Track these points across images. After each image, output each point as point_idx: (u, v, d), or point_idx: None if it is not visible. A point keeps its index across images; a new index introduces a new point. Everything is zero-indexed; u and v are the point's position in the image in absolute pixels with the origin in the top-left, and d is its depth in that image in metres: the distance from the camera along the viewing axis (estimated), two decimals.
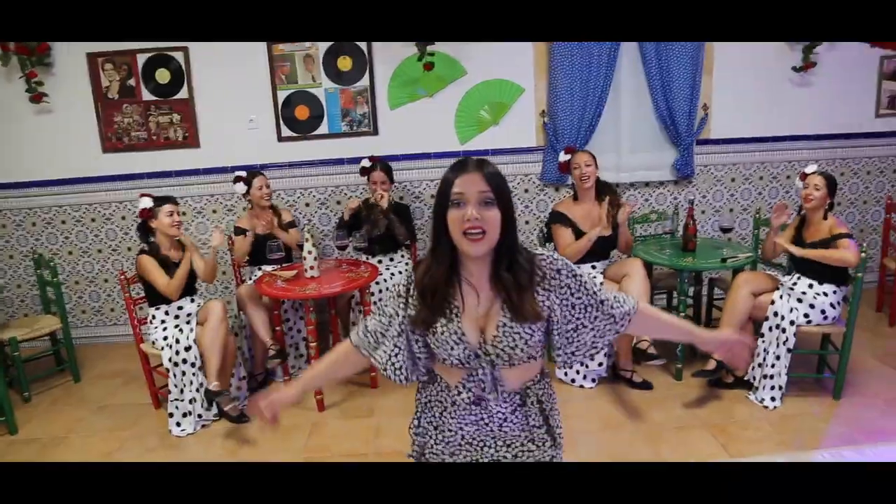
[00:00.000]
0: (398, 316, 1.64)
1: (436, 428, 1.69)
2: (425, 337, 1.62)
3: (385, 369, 1.68)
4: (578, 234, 3.89)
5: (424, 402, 1.73)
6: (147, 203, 3.65)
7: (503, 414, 1.62)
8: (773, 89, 4.85)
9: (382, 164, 4.39)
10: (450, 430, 1.66)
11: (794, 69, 4.74)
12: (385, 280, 4.26)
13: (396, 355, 1.66)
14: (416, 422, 1.76)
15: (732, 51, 4.73)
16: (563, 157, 4.13)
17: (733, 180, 5.03)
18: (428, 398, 1.71)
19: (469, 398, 1.61)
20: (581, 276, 1.62)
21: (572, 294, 1.60)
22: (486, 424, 1.63)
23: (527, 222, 4.96)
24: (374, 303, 4.15)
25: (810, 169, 3.60)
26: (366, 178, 4.46)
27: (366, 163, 4.47)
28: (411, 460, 1.77)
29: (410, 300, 1.62)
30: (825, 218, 3.52)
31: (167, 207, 3.65)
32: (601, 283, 1.54)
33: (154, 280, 3.64)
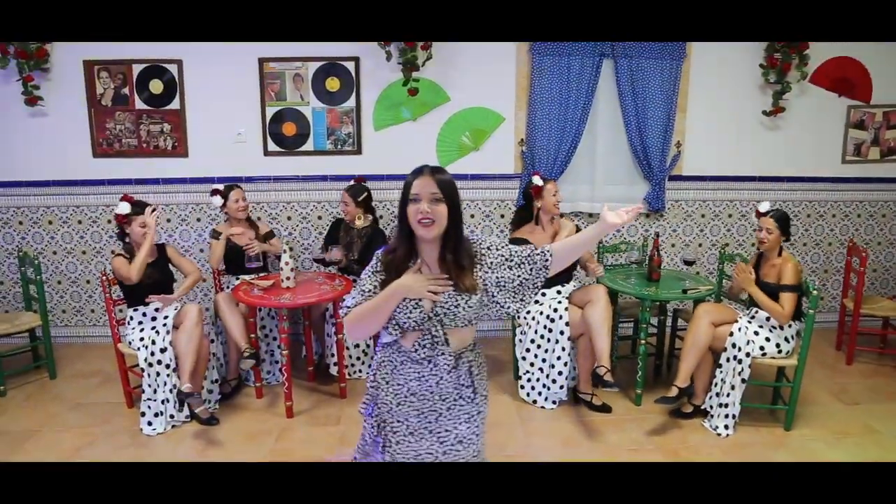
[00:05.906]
0: (370, 286, 2.03)
1: (387, 383, 2.10)
2: None
3: None
4: None
5: (380, 362, 2.13)
6: (125, 209, 3.78)
7: (440, 374, 2.03)
8: (744, 131, 5.05)
9: (352, 188, 4.48)
10: (398, 384, 2.07)
11: (765, 113, 4.94)
12: None
13: None
14: (372, 377, 2.15)
15: (706, 91, 4.94)
16: (537, 180, 4.05)
17: (703, 216, 5.21)
18: (382, 359, 2.12)
19: (423, 354, 2.02)
20: (507, 245, 2.09)
21: (507, 260, 2.05)
22: (427, 380, 2.04)
23: None
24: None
25: (763, 207, 3.74)
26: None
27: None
28: (364, 407, 2.18)
29: (379, 275, 2.04)
30: (780, 254, 3.70)
31: (140, 219, 3.78)
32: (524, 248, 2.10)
33: (118, 269, 3.75)
